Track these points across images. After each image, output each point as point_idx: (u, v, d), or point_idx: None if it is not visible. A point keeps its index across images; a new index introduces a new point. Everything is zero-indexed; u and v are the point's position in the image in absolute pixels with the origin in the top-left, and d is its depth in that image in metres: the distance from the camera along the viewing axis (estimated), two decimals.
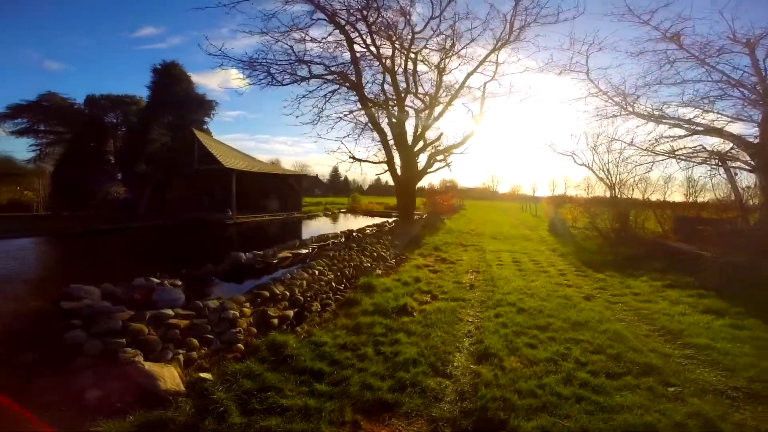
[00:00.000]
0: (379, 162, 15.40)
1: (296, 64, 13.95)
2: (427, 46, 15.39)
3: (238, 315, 4.85)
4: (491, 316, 6.02)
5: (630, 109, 13.56)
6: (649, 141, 13.50)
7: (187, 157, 24.50)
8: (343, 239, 11.70)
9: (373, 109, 15.15)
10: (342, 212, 35.08)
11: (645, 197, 13.09)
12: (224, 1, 12.15)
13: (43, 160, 36.32)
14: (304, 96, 14.77)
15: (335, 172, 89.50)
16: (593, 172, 14.68)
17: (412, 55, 14.98)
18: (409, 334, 5.19)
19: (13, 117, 34.84)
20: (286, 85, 14.39)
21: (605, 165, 14.09)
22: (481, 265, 10.16)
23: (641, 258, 10.75)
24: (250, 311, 5.15)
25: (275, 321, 5.42)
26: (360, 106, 15.06)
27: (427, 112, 16.26)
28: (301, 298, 6.20)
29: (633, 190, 13.48)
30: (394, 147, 15.82)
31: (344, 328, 5.41)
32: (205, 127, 37.81)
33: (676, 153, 12.70)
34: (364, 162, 15.16)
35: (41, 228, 17.71)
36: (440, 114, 16.22)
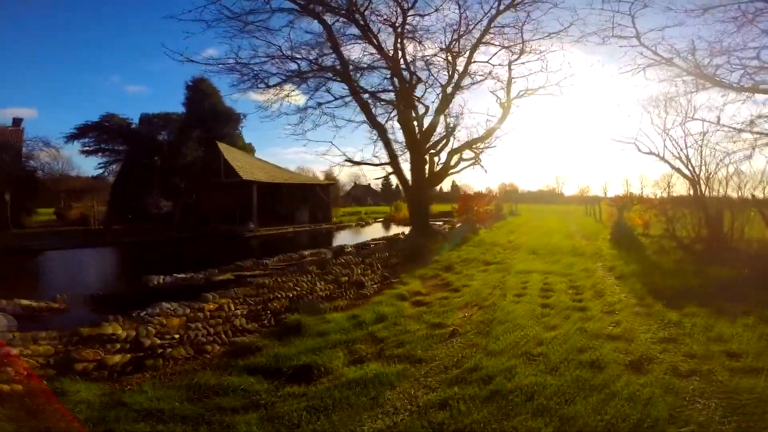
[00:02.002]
0: (382, 164, 12.98)
1: (282, 60, 12.16)
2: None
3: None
4: (434, 403, 3.41)
5: (709, 79, 9.79)
6: (742, 121, 9.60)
7: (214, 171, 24.14)
8: (330, 255, 9.52)
9: (372, 103, 12.87)
10: (378, 222, 33.07)
11: (742, 194, 9.15)
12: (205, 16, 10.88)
13: (106, 177, 39.33)
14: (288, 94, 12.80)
15: (386, 181, 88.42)
16: (666, 162, 10.91)
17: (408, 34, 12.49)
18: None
19: (81, 137, 38.02)
20: (272, 86, 12.65)
21: (683, 151, 10.32)
22: (492, 296, 7.31)
23: (743, 284, 7.14)
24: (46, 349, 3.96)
25: (80, 366, 3.96)
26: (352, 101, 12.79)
27: (439, 103, 13.58)
28: (151, 341, 4.27)
29: (726, 185, 9.60)
30: (405, 146, 13.34)
31: (187, 389, 3.77)
32: (247, 141, 38.19)
33: None
34: (363, 164, 12.85)
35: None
36: (446, 101, 13.38)
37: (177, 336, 4.60)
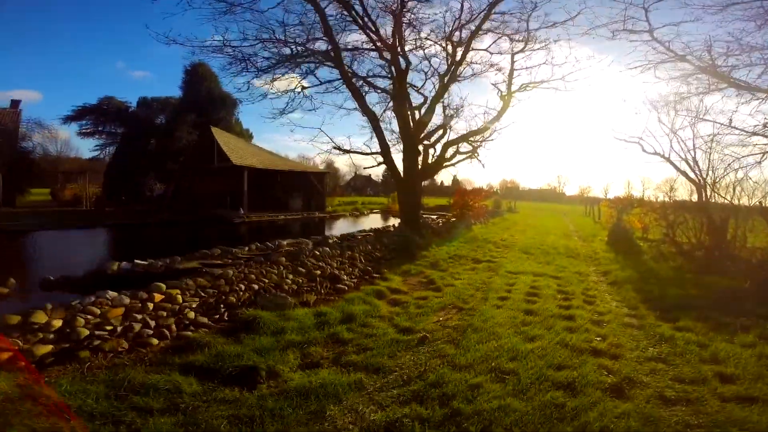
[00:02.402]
0: (372, 153, 12.40)
1: (273, 44, 11.54)
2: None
3: None
4: (380, 425, 3.02)
5: (725, 78, 9.18)
6: (755, 125, 9.02)
7: (207, 155, 23.65)
8: (310, 246, 9.04)
9: (365, 90, 12.27)
10: (375, 212, 32.57)
11: (749, 201, 8.58)
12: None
13: (102, 159, 39.05)
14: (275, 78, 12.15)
15: (387, 172, 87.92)
16: (671, 163, 10.35)
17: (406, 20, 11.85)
18: None
19: (79, 118, 37.60)
20: (263, 71, 12.04)
21: (690, 153, 9.75)
22: (474, 298, 6.84)
23: (744, 297, 6.66)
24: None
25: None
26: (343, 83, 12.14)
27: (435, 93, 12.97)
28: (83, 332, 3.91)
29: (733, 191, 9.04)
30: (399, 137, 12.78)
31: (108, 385, 3.40)
32: (245, 127, 37.53)
33: None
34: (353, 153, 12.25)
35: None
36: (443, 90, 12.79)
37: (112, 328, 4.16)
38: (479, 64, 14.18)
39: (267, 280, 6.57)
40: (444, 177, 76.30)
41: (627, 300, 6.83)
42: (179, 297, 4.96)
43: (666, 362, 4.30)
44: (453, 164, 13.78)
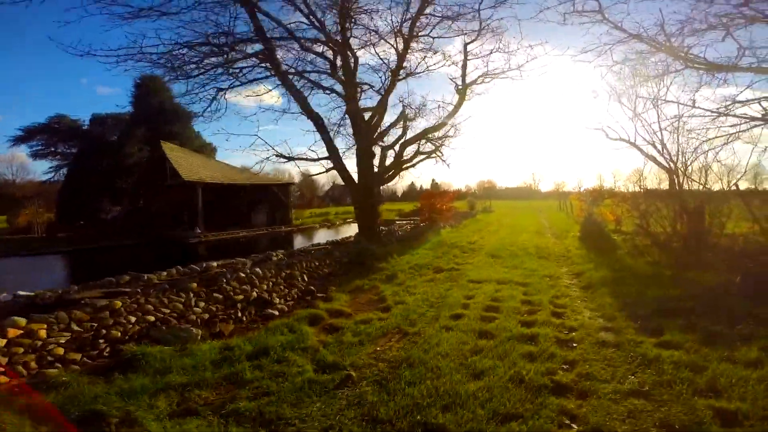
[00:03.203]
0: (320, 159, 11.22)
1: (202, 47, 10.26)
2: None
3: None
4: None
5: (680, 56, 8.46)
6: (717, 107, 8.31)
7: (161, 172, 22.06)
8: (248, 265, 7.86)
9: (309, 91, 11.14)
10: (348, 222, 31.39)
11: (725, 185, 7.81)
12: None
13: (57, 181, 36.75)
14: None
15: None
16: (637, 148, 9.58)
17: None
18: None
19: (28, 139, 35.32)
20: (194, 77, 10.66)
21: (656, 135, 8.97)
22: (424, 318, 5.79)
23: (734, 294, 5.76)
24: None
25: None
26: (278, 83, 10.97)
27: (386, 89, 11.97)
28: None
29: (705, 175, 8.28)
30: (352, 137, 11.70)
31: None
32: (208, 141, 35.71)
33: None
34: (297, 160, 11.05)
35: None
36: (393, 85, 11.83)
37: None
38: (432, 53, 13.30)
39: (168, 310, 5.36)
40: (423, 181, 75.74)
41: (602, 308, 5.85)
42: (42, 332, 4.28)
43: (649, 398, 3.27)
44: (413, 165, 12.78)
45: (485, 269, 8.91)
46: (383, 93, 11.73)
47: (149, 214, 23.40)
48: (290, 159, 10.97)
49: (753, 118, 7.96)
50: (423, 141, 13.51)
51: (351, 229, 25.80)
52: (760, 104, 7.92)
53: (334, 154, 11.02)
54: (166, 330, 4.99)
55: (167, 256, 15.44)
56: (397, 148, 12.82)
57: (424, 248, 11.87)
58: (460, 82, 12.71)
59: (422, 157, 13.14)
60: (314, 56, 11.56)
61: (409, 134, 12.74)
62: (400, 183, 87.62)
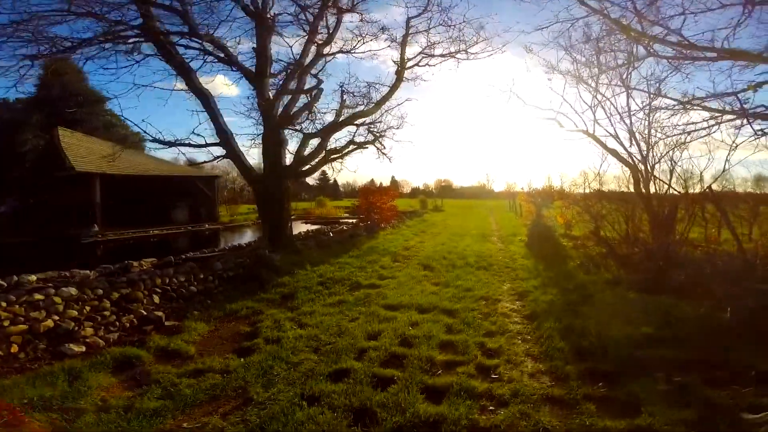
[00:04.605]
0: (207, 145, 8.79)
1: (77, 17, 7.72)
2: None
3: None
4: None
5: (651, 38, 6.98)
6: (686, 95, 6.93)
7: (59, 162, 18.43)
8: (91, 277, 5.47)
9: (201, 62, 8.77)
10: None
11: (700, 187, 6.42)
12: None
13: None
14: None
15: (323, 176, 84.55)
16: (595, 139, 8.09)
17: None
18: None
19: None
20: (67, 51, 8.17)
21: (620, 122, 7.48)
22: (293, 371, 3.80)
23: (727, 334, 4.21)
24: None
25: None
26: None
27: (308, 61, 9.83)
28: None
29: (671, 175, 6.88)
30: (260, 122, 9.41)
31: None
32: (135, 131, 31.73)
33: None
34: (177, 146, 8.61)
35: None
36: (317, 58, 9.77)
37: None
38: (370, 32, 11.31)
39: None
40: (383, 179, 73.77)
41: (549, 355, 4.10)
42: None
43: None
44: (340, 156, 10.69)
45: (410, 287, 7.02)
46: (295, 68, 9.51)
47: (48, 209, 19.71)
48: (170, 145, 8.50)
49: (725, 111, 6.58)
50: (356, 129, 11.51)
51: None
52: (737, 97, 6.52)
53: (225, 139, 8.66)
54: None
55: (48, 257, 12.36)
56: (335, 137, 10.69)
57: (350, 255, 9.85)
58: (398, 60, 10.84)
59: (353, 147, 11.09)
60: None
61: (328, 119, 10.64)
62: (354, 179, 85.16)
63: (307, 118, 11.41)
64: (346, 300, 6.36)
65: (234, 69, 9.98)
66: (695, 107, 6.50)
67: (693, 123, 6.09)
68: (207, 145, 8.59)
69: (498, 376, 3.73)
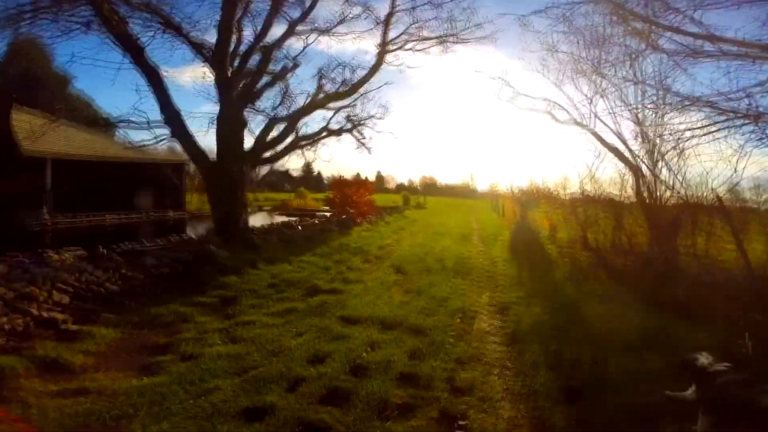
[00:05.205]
0: (153, 124, 7.57)
1: None
2: None
3: None
4: None
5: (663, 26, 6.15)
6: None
7: (9, 145, 16.83)
8: None
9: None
10: (264, 210, 27.69)
11: (707, 195, 5.62)
12: None
13: None
14: None
15: (308, 167, 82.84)
16: (595, 136, 7.26)
17: None
18: None
19: None
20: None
21: (632, 110, 6.55)
22: (195, 406, 2.79)
23: (750, 365, 3.42)
24: None
25: None
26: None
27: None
28: None
29: (682, 180, 6.04)
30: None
31: None
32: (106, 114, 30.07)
33: None
34: (119, 125, 7.42)
35: None
36: (289, 32, 8.73)
37: None
38: (351, 7, 10.28)
39: None
40: (369, 173, 72.54)
41: (532, 395, 3.25)
42: None
43: None
44: (311, 142, 9.68)
45: (377, 294, 6.11)
46: (255, 41, 8.41)
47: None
48: (108, 124, 7.36)
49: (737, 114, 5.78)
50: (332, 115, 10.53)
51: (261, 218, 22.15)
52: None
53: (172, 117, 7.50)
54: None
55: None
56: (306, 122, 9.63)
57: (315, 253, 8.87)
58: (380, 42, 9.87)
59: (325, 134, 10.09)
60: None
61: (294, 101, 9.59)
62: (338, 171, 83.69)
63: (281, 103, 10.40)
64: (297, 308, 5.40)
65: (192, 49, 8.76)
66: (706, 106, 5.73)
67: (705, 125, 5.29)
68: (151, 125, 7.42)
69: (466, 424, 2.86)
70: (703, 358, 2.73)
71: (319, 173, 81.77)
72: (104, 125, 6.96)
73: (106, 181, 19.38)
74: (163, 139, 7.69)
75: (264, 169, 69.99)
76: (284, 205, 28.53)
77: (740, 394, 2.54)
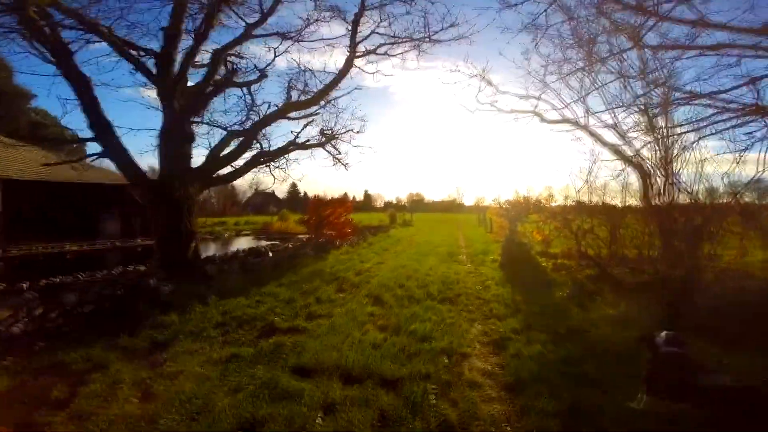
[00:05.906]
0: (82, 139, 6.45)
1: None
2: None
3: None
4: None
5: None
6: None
7: None
8: None
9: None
10: (245, 234, 26.38)
11: (718, 197, 4.81)
12: None
13: None
14: None
15: (294, 188, 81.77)
16: (590, 134, 6.47)
17: None
18: None
19: None
20: None
21: (640, 101, 5.76)
22: None
23: None
24: None
25: None
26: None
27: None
28: None
29: (698, 179, 5.23)
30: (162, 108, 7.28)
31: None
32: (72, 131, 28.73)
33: None
34: (43, 142, 6.43)
35: None
36: (250, 30, 7.88)
37: None
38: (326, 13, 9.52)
39: None
40: (356, 192, 71.71)
41: None
42: None
43: None
44: (272, 159, 8.69)
45: (346, 335, 5.03)
46: (196, 43, 7.46)
47: None
48: (30, 141, 6.30)
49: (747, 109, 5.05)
50: (301, 129, 9.60)
51: (242, 242, 20.88)
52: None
53: (103, 131, 6.44)
54: None
55: None
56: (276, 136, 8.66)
57: (280, 283, 7.75)
58: (348, 44, 9.07)
59: (292, 148, 9.15)
60: None
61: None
62: (324, 191, 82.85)
63: (247, 117, 9.45)
64: (241, 354, 4.31)
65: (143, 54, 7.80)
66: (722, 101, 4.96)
67: (723, 119, 4.50)
68: (79, 140, 6.36)
69: None
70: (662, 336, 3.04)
71: (305, 194, 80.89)
72: (26, 141, 5.87)
73: (68, 205, 18.06)
74: (95, 155, 6.59)
75: (249, 192, 66.87)
76: (265, 229, 27.25)
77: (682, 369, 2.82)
